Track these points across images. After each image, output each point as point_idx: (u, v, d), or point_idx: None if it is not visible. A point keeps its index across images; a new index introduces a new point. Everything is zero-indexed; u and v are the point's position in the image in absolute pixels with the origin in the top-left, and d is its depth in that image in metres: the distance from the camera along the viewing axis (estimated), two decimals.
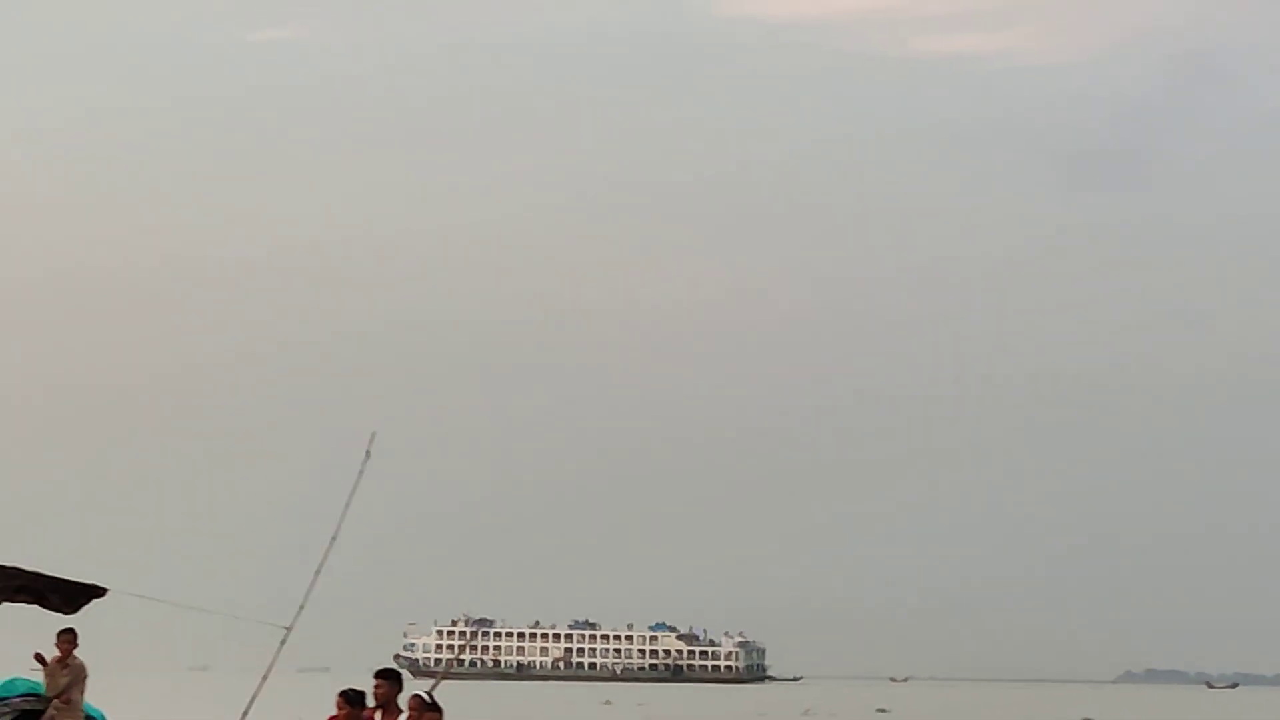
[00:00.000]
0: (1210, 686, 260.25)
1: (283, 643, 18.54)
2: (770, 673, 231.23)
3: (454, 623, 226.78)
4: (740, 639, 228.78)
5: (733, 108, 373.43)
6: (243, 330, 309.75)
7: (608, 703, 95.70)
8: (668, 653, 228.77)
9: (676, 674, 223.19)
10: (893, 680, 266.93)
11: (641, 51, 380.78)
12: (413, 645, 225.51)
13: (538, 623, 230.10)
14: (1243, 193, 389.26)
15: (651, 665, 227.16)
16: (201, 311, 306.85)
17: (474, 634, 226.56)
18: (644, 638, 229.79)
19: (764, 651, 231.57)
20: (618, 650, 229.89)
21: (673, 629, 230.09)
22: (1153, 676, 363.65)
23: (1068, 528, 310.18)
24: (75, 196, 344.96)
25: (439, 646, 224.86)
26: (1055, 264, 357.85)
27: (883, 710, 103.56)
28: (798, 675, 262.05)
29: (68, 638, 20.98)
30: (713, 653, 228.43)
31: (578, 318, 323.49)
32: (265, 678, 18.28)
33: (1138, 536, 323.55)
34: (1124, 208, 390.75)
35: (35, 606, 18.98)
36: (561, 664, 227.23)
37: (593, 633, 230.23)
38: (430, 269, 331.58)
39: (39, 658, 21.22)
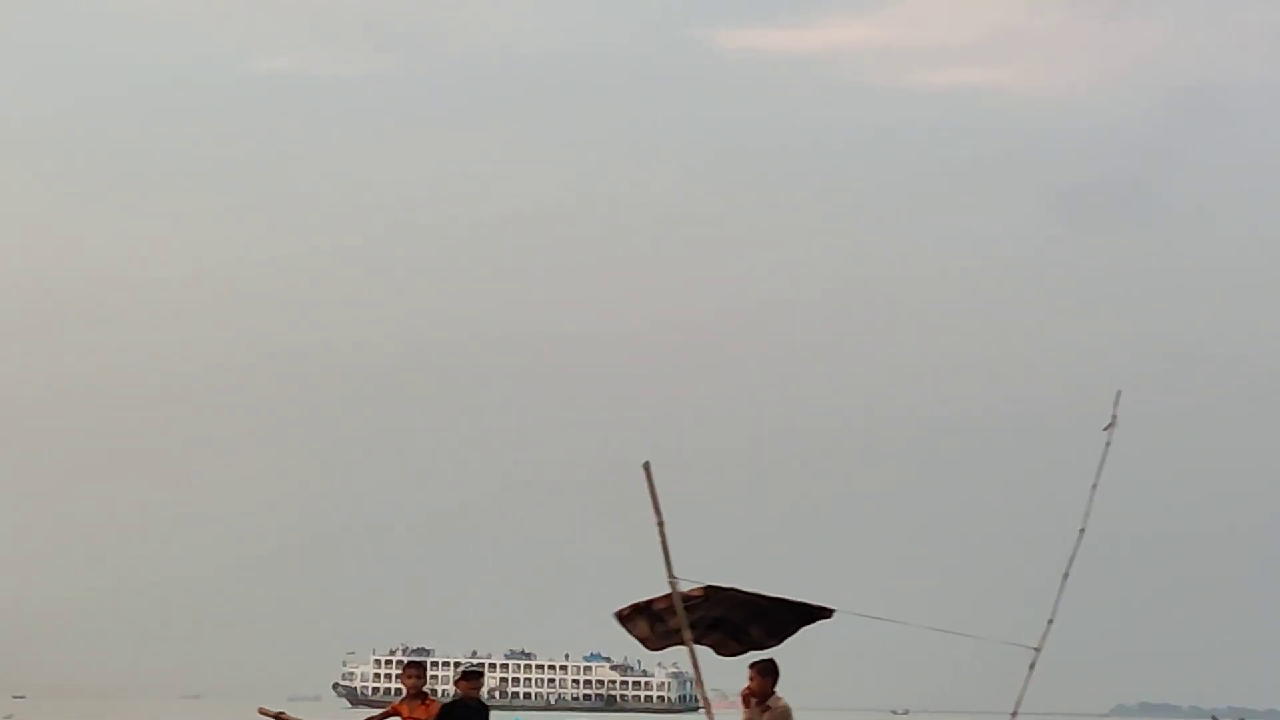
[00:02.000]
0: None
1: (1032, 666, 16.92)
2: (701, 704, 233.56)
3: (392, 652, 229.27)
4: (673, 669, 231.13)
5: (726, 135, 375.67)
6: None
7: None
8: (601, 683, 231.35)
9: (610, 704, 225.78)
10: (894, 713, 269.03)
11: (641, 80, 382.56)
12: (351, 674, 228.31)
13: (474, 652, 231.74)
14: (1244, 228, 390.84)
15: (585, 695, 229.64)
16: None
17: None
18: (578, 668, 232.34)
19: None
20: (552, 680, 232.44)
21: (607, 659, 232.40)
22: (1146, 710, 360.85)
23: (1053, 560, 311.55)
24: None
25: (376, 675, 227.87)
26: (1052, 298, 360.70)
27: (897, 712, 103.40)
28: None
29: (761, 669, 17.80)
30: (645, 683, 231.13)
31: (514, 341, 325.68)
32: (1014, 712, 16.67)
33: (1127, 570, 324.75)
34: (1123, 243, 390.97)
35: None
36: (497, 694, 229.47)
37: (528, 663, 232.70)
38: (369, 288, 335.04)
39: (747, 698, 18.02)
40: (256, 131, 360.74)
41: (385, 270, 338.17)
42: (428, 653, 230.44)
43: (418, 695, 17.66)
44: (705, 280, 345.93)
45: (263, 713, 17.39)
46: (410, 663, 17.79)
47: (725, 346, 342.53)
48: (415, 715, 17.52)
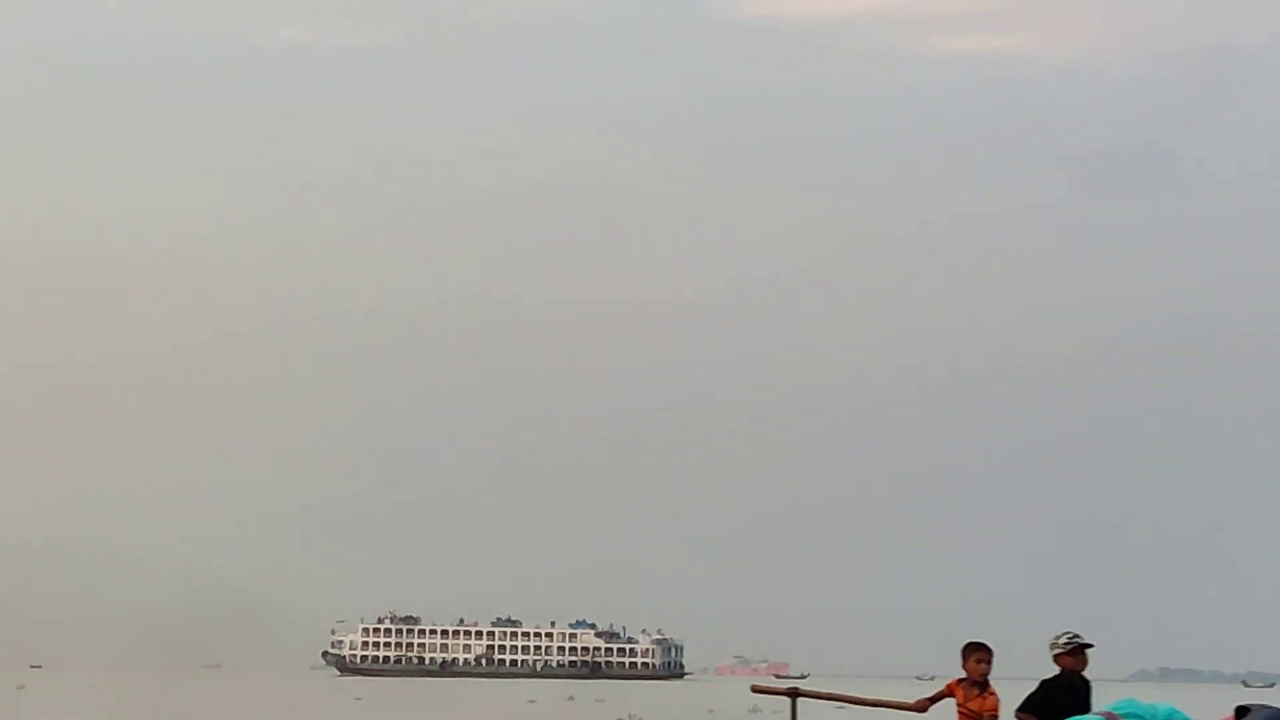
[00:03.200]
0: (1246, 685, 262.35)
1: None
2: (687, 669, 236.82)
3: (380, 620, 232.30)
4: (658, 636, 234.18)
5: (744, 103, 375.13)
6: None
7: (532, 701, 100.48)
8: (587, 650, 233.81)
9: (595, 671, 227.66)
10: (919, 679, 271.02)
11: (656, 47, 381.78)
12: (340, 642, 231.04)
13: (462, 620, 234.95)
14: (1260, 191, 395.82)
15: (571, 662, 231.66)
16: None
17: (399, 631, 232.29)
18: (564, 635, 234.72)
19: (682, 649, 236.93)
20: (538, 648, 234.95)
21: (592, 626, 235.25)
22: (1167, 675, 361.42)
23: (1076, 524, 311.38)
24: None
25: (365, 644, 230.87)
26: (1068, 263, 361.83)
27: (842, 707, 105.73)
28: (805, 673, 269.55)
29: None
30: (631, 650, 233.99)
31: (508, 306, 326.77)
32: None
33: (1148, 533, 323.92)
34: (1137, 206, 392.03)
35: None
36: (484, 661, 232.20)
37: (514, 630, 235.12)
38: (368, 256, 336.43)
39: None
40: (266, 101, 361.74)
41: (386, 238, 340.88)
42: (415, 621, 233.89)
43: (980, 684, 15.10)
44: (727, 244, 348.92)
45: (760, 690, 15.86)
46: (973, 645, 15.21)
47: (750, 312, 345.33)
48: (969, 705, 15.07)
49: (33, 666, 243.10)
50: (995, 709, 14.91)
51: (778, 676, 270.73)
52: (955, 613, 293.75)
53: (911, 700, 15.48)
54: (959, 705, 15.06)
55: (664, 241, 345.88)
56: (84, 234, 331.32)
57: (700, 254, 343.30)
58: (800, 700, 16.47)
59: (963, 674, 15.20)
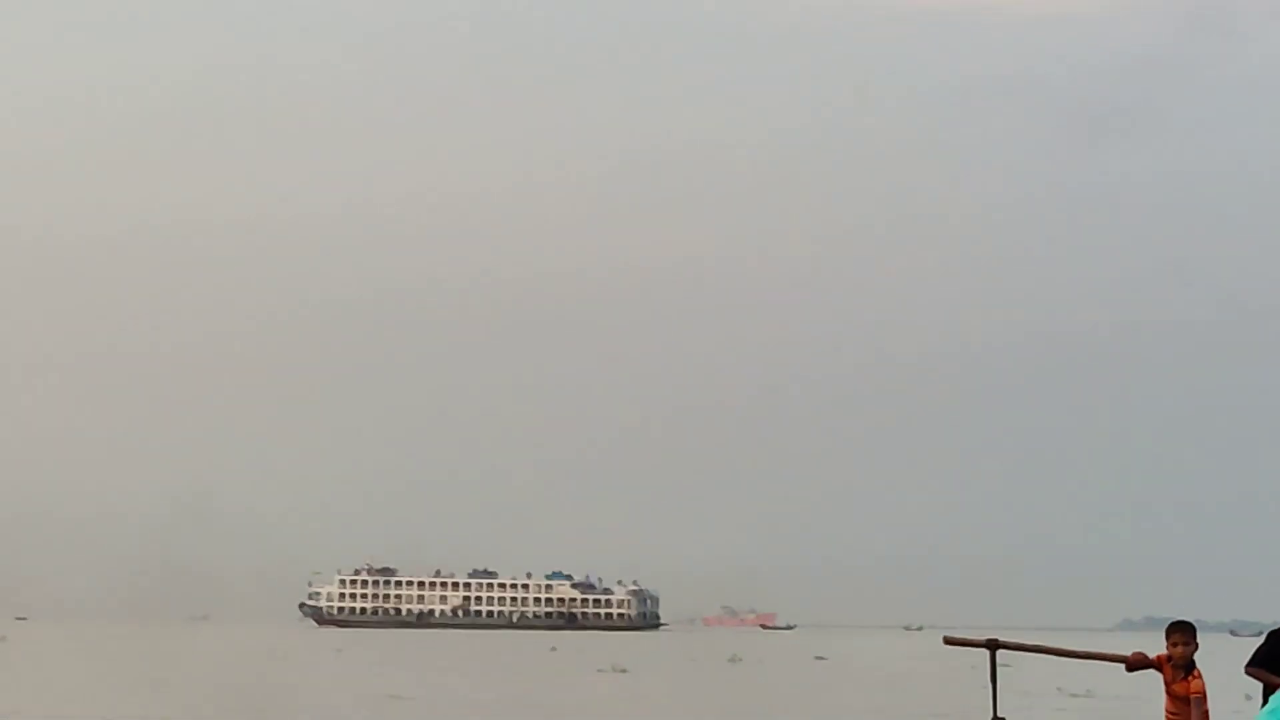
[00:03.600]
0: (1234, 635, 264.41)
1: None
2: (671, 620, 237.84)
3: (357, 571, 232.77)
4: (634, 587, 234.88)
5: (743, 65, 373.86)
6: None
7: (514, 652, 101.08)
8: (563, 601, 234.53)
9: (571, 621, 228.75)
10: (907, 629, 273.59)
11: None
12: (317, 594, 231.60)
13: (438, 572, 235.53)
14: (1254, 145, 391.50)
15: (547, 613, 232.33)
16: None
17: (376, 582, 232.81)
18: (540, 586, 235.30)
19: (658, 600, 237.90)
20: (514, 599, 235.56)
21: (568, 577, 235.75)
22: (1151, 624, 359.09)
23: (1062, 477, 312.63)
24: None
25: (342, 595, 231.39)
26: (1066, 218, 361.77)
27: (820, 658, 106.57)
28: (792, 624, 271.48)
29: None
30: (607, 601, 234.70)
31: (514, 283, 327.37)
32: None
33: (1134, 485, 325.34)
34: (1135, 161, 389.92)
35: None
36: (460, 612, 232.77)
37: (490, 581, 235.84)
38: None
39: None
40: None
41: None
42: (392, 572, 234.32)
43: (1186, 665, 14.13)
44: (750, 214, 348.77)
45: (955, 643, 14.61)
46: (1174, 625, 14.32)
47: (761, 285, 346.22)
48: (1174, 687, 14.10)
49: (18, 619, 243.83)
50: (1201, 691, 13.95)
51: (764, 627, 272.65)
52: (943, 563, 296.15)
53: (1118, 654, 14.63)
54: (1165, 685, 14.17)
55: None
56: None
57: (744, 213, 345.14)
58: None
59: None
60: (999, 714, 14.16)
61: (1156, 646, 14.84)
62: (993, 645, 14.37)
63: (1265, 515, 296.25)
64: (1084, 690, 61.11)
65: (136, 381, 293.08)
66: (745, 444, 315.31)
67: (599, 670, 75.03)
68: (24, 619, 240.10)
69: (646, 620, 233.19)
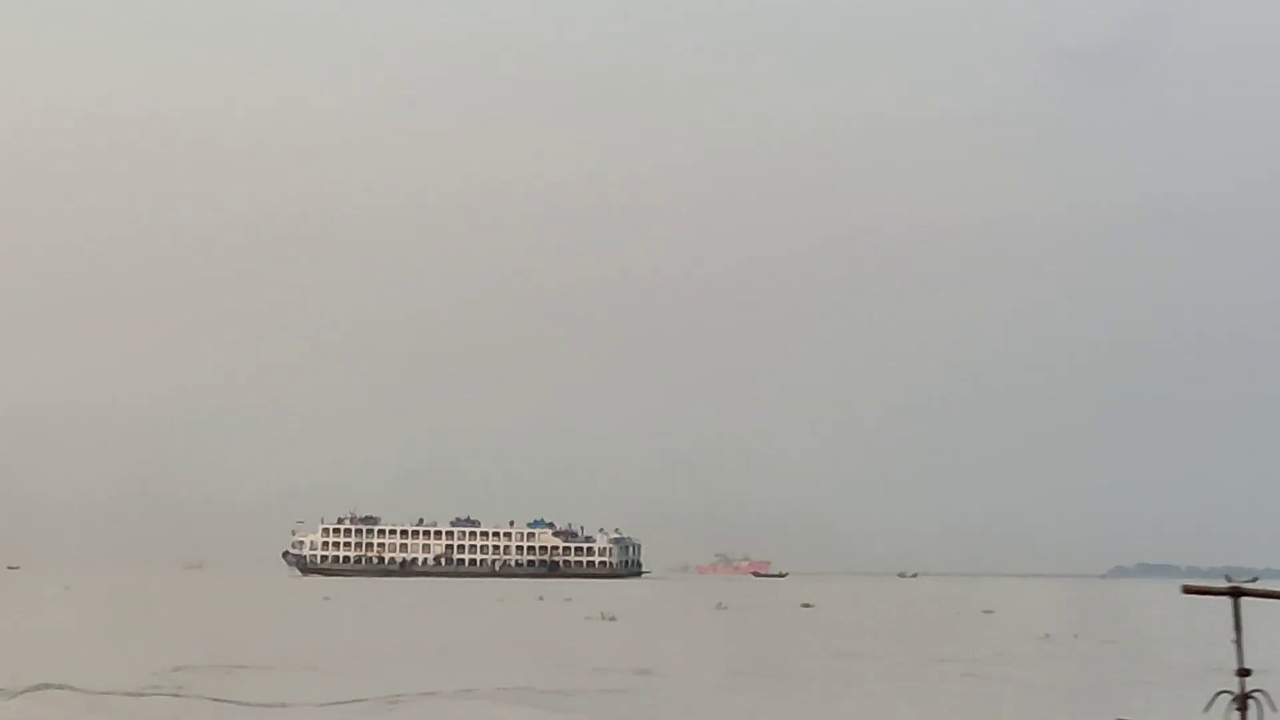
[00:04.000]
0: (1229, 581, 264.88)
1: None
2: (645, 568, 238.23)
3: (340, 520, 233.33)
4: (615, 535, 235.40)
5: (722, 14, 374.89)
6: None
7: (501, 600, 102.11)
8: (544, 549, 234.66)
9: (553, 569, 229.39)
10: (901, 575, 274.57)
11: None
12: (300, 542, 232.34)
13: (421, 520, 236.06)
14: (1237, 87, 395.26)
15: (529, 561, 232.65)
16: None
17: (359, 531, 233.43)
18: (522, 534, 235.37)
19: (639, 547, 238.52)
20: (497, 547, 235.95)
21: (550, 525, 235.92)
22: (1144, 570, 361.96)
23: (1051, 426, 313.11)
24: None
25: (325, 544, 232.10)
26: (1046, 155, 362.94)
27: (807, 605, 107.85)
28: (783, 572, 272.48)
29: None
30: (589, 549, 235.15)
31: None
32: None
33: (1125, 432, 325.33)
34: (1113, 99, 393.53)
35: None
36: (443, 560, 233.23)
37: (473, 530, 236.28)
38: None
39: None
40: None
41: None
42: (375, 521, 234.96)
43: None
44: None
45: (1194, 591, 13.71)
46: None
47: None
48: None
49: (10, 568, 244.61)
50: None
51: (757, 575, 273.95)
52: (934, 512, 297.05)
53: None
54: None
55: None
56: None
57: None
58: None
59: None
60: (1244, 666, 13.42)
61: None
62: (1236, 593, 13.64)
63: (1258, 462, 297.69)
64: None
65: (129, 327, 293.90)
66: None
67: (586, 618, 76.01)
68: (15, 568, 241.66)
69: (628, 568, 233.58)
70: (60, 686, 33.83)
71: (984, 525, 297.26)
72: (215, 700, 32.64)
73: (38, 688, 33.80)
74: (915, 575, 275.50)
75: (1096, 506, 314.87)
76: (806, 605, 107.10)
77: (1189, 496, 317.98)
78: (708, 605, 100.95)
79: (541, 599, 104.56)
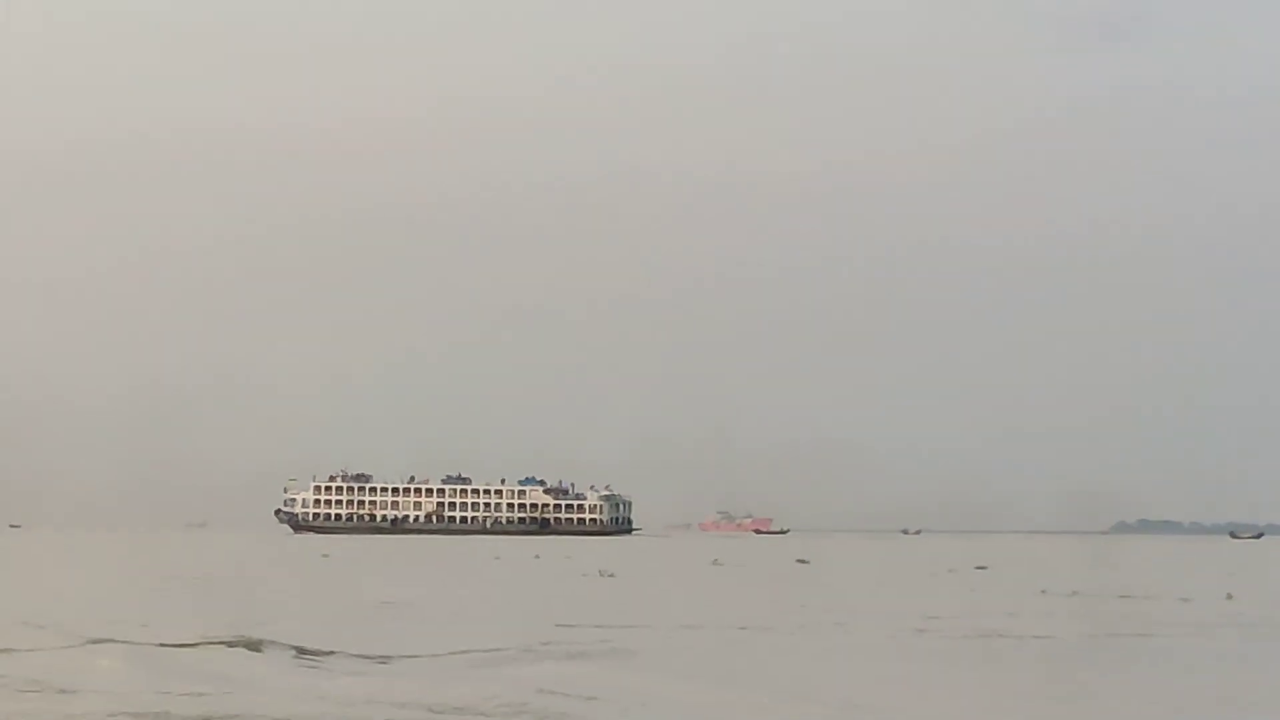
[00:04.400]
0: (1235, 537, 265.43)
1: None
2: (636, 525, 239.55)
3: (332, 478, 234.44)
4: (606, 492, 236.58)
5: None
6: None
7: (497, 558, 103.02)
8: (536, 506, 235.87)
9: (544, 527, 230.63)
10: (905, 532, 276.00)
11: None
12: (292, 500, 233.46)
13: (412, 478, 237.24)
14: (1243, 56, 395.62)
15: (520, 519, 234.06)
16: None
17: (351, 489, 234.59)
18: (514, 492, 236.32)
19: (630, 505, 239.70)
20: (488, 504, 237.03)
21: (541, 483, 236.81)
22: (1146, 527, 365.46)
23: (1054, 379, 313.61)
24: None
25: (317, 501, 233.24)
26: (1050, 127, 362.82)
27: (803, 561, 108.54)
28: (785, 529, 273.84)
29: None
30: (579, 506, 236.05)
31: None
32: None
33: (1124, 391, 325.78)
34: (1119, 69, 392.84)
35: None
36: (434, 518, 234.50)
37: (464, 487, 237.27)
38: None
39: None
40: None
41: None
42: (367, 478, 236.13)
43: None
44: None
45: None
46: None
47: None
48: None
49: (12, 526, 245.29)
50: None
51: (758, 532, 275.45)
52: (938, 469, 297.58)
53: None
54: None
55: None
56: None
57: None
58: None
59: None
60: None
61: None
62: None
63: (1262, 417, 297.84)
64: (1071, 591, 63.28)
65: (127, 291, 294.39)
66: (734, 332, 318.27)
67: (584, 575, 77.04)
68: (17, 526, 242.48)
69: (618, 525, 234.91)
70: (113, 640, 34.62)
71: (984, 483, 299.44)
72: (292, 649, 33.44)
73: (91, 642, 34.58)
74: (919, 532, 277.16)
75: (1098, 463, 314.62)
76: (802, 561, 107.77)
77: (1192, 452, 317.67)
78: (704, 562, 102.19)
79: (538, 557, 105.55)
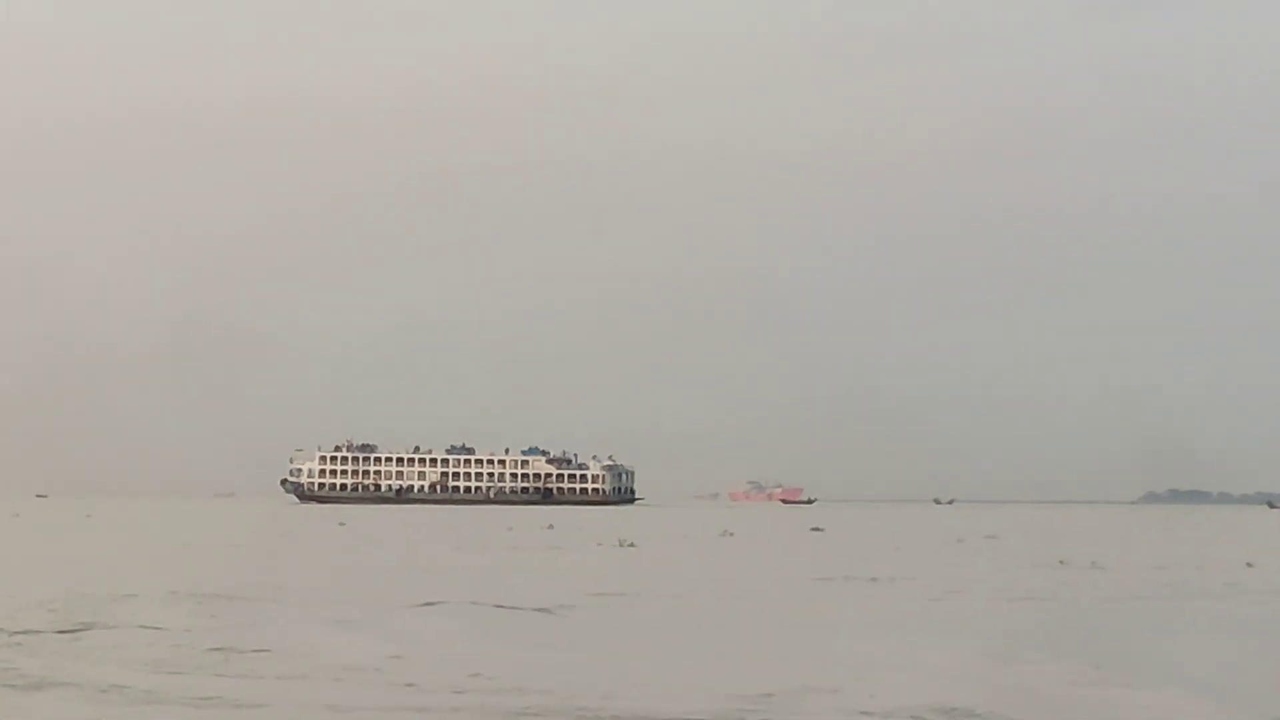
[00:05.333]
0: (1272, 506, 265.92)
1: None
2: (639, 495, 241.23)
3: (337, 448, 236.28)
4: (609, 463, 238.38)
5: None
6: None
7: (510, 529, 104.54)
8: (539, 476, 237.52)
9: (547, 496, 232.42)
10: (938, 502, 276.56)
11: None
12: (298, 470, 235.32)
13: (417, 448, 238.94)
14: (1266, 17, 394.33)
15: (524, 489, 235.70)
16: None
17: (356, 459, 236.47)
18: (517, 462, 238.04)
19: (633, 474, 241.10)
20: (491, 474, 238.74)
21: (544, 453, 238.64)
22: (1176, 497, 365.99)
23: (1081, 348, 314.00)
24: None
25: (323, 471, 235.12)
26: (1068, 83, 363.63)
27: (817, 529, 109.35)
28: (812, 499, 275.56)
29: None
30: (582, 476, 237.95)
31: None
32: None
33: (1157, 360, 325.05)
34: (1140, 28, 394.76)
35: None
36: (438, 488, 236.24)
37: (468, 457, 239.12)
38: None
39: None
40: None
41: None
42: (372, 449, 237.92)
43: None
44: None
45: None
46: None
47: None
48: None
49: (38, 496, 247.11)
50: None
51: (785, 502, 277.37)
52: (970, 439, 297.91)
53: None
54: None
55: None
56: None
57: None
58: None
59: None
60: None
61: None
62: None
63: None
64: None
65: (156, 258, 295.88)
66: (760, 314, 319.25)
67: (599, 544, 78.70)
68: (44, 496, 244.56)
69: (621, 495, 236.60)
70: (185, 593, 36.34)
71: (1018, 453, 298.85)
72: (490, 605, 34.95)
73: (167, 596, 36.34)
74: (952, 502, 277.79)
75: (1127, 432, 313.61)
76: (816, 529, 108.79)
77: (1221, 421, 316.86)
78: (713, 531, 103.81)
79: (551, 527, 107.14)
